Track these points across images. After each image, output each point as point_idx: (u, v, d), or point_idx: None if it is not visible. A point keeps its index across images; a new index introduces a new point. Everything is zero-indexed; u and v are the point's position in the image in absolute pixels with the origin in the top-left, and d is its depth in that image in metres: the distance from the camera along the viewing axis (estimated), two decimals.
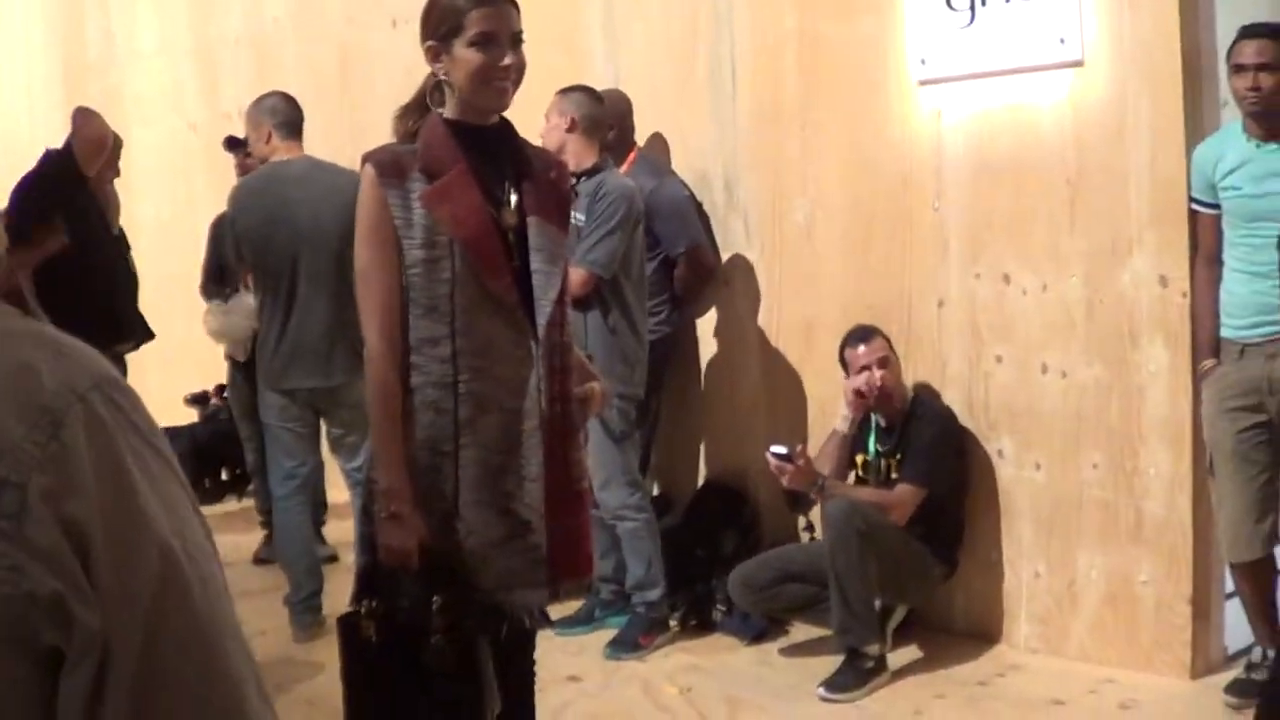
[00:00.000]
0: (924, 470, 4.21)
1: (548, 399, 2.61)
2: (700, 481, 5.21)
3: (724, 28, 4.92)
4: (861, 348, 4.29)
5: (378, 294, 2.56)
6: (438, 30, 2.58)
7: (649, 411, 4.82)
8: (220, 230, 5.41)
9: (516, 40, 2.58)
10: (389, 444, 2.55)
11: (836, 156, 4.65)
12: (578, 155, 4.40)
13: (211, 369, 6.53)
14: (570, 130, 4.45)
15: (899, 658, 4.27)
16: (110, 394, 0.86)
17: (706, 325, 5.13)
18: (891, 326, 4.43)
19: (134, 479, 0.85)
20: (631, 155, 4.89)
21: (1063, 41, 4.02)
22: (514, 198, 2.62)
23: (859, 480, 4.40)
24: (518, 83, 2.60)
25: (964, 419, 4.37)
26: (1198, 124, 3.87)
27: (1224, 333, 3.77)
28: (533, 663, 2.89)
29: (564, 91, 4.53)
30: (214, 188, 6.49)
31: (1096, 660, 4.13)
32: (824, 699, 4.01)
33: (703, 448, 5.23)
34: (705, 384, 5.16)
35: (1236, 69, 3.69)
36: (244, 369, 5.43)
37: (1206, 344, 3.81)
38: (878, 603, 4.16)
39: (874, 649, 4.09)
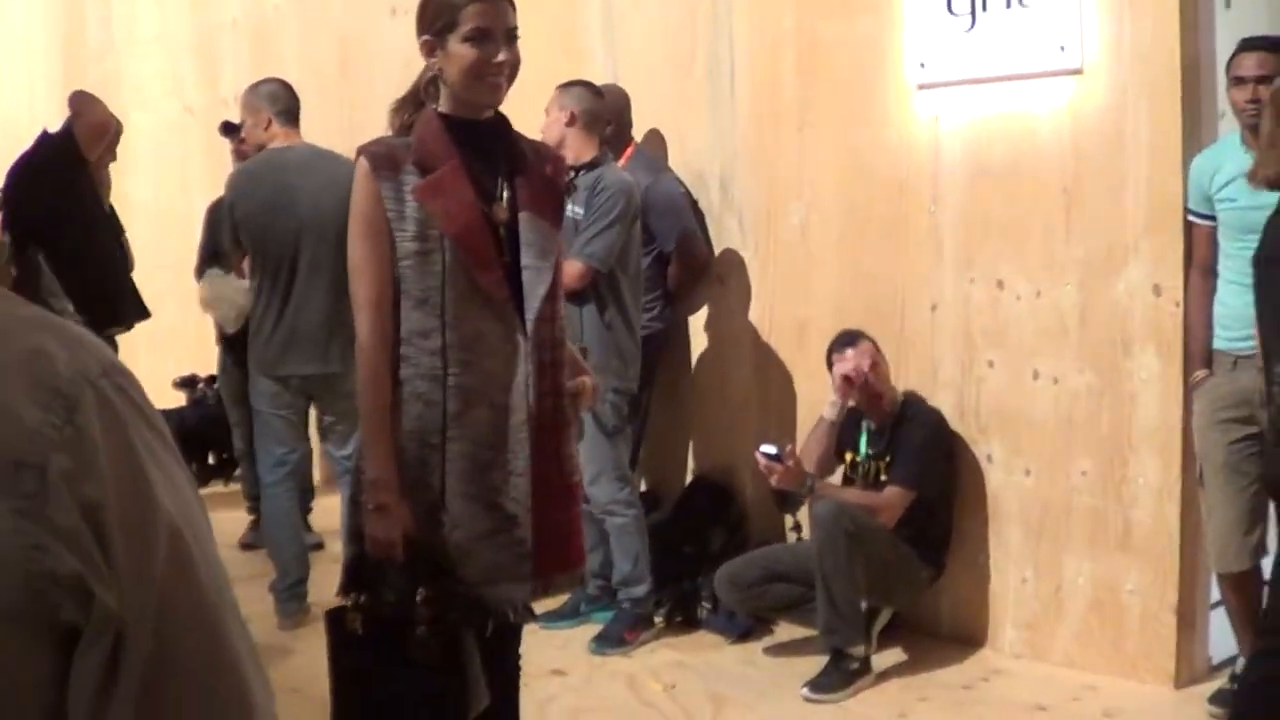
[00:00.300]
0: (913, 473, 4.21)
1: (537, 394, 2.61)
2: (689, 478, 5.21)
3: (722, 28, 4.91)
4: (849, 352, 4.27)
5: (369, 285, 2.56)
6: (433, 25, 2.58)
7: (639, 407, 4.82)
8: (217, 215, 5.40)
9: (511, 36, 2.58)
10: (378, 435, 2.56)
11: (833, 158, 4.64)
12: (577, 149, 4.42)
13: (201, 354, 6.53)
14: (570, 124, 4.45)
15: (884, 660, 4.27)
16: (118, 380, 0.88)
17: (698, 322, 5.13)
18: (884, 329, 4.43)
19: (144, 462, 0.87)
20: (629, 151, 4.89)
21: (1063, 49, 4.01)
22: (506, 193, 2.63)
23: (847, 480, 4.41)
24: (512, 78, 2.61)
25: (955, 423, 4.37)
26: (1196, 135, 3.87)
27: (1217, 344, 3.78)
28: (518, 657, 2.89)
29: (564, 86, 4.54)
30: (210, 172, 6.50)
31: (1081, 667, 4.13)
32: (808, 699, 4.01)
33: (692, 445, 5.23)
34: (696, 381, 5.16)
35: (1236, 81, 3.70)
36: (235, 354, 5.42)
37: (1199, 355, 3.82)
38: (864, 604, 4.16)
39: (859, 650, 4.09)
